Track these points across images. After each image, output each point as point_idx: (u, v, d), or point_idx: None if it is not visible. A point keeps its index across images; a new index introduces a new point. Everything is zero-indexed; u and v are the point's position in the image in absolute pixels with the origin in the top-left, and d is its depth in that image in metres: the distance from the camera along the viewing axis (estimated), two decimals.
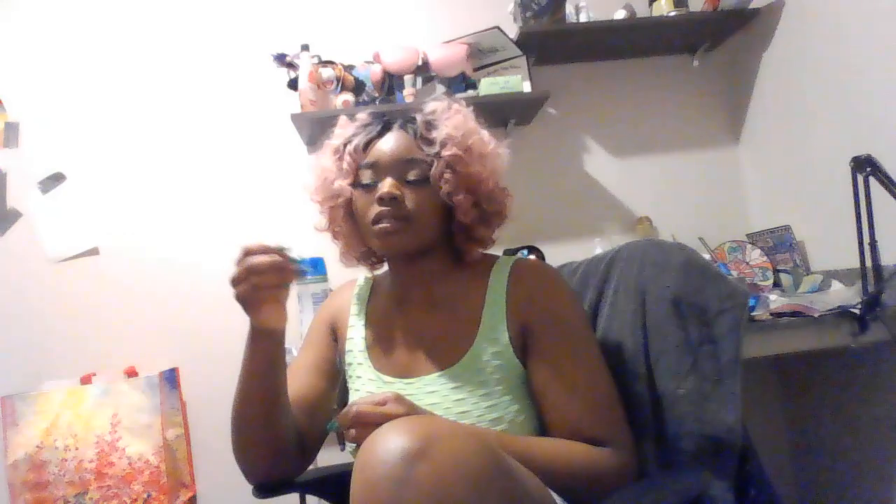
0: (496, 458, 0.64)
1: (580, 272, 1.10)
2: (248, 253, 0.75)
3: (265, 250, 0.74)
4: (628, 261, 0.97)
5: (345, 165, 0.92)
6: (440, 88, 1.96)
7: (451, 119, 0.92)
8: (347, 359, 0.99)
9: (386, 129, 0.94)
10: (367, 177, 0.91)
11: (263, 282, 0.73)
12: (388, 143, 0.92)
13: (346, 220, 0.96)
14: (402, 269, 0.97)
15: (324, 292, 1.75)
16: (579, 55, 2.12)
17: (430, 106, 0.95)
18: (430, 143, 0.90)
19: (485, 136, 0.94)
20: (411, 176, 0.90)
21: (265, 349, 0.81)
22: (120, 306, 1.93)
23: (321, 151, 0.98)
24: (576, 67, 2.15)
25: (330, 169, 0.94)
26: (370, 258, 1.02)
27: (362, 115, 0.99)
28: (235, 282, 0.75)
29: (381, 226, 0.87)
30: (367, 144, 0.93)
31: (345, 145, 0.94)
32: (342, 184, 0.92)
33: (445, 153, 0.89)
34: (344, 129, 0.97)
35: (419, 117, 0.93)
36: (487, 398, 0.84)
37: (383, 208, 0.87)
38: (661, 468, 0.86)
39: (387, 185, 0.87)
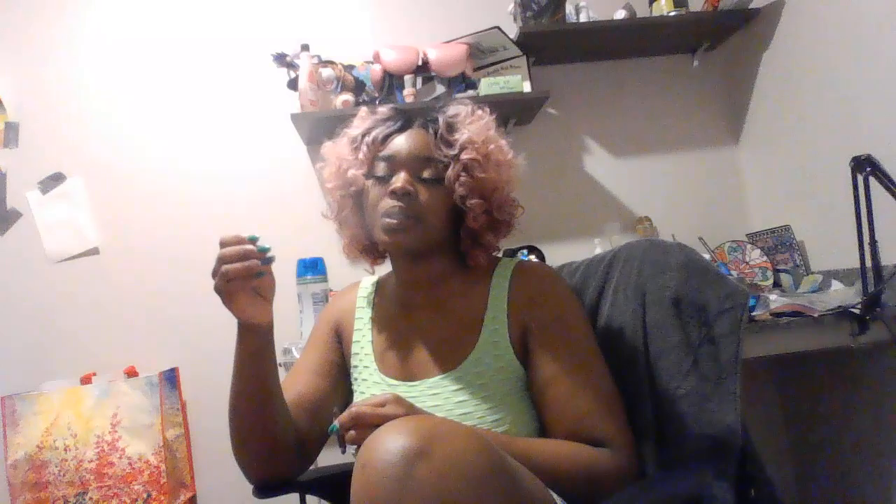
0: (497, 458, 0.64)
1: (580, 272, 1.10)
2: (222, 244, 0.75)
3: (237, 241, 0.75)
4: (628, 261, 0.97)
5: (361, 155, 0.92)
6: (440, 88, 1.96)
7: (474, 124, 0.92)
8: (353, 361, 0.99)
9: (407, 125, 0.95)
10: (381, 169, 0.91)
11: (231, 271, 0.73)
12: (408, 139, 0.92)
13: (355, 210, 0.96)
14: (406, 271, 0.97)
15: (323, 292, 1.75)
16: (579, 55, 2.12)
17: (454, 108, 0.95)
18: (450, 144, 0.90)
19: (504, 146, 0.94)
20: (426, 174, 0.90)
21: (251, 344, 0.81)
22: (120, 306, 1.94)
23: (338, 139, 0.99)
24: (576, 67, 2.15)
25: (345, 157, 0.95)
26: (373, 253, 1.02)
27: (383, 109, 0.99)
28: (213, 274, 0.75)
29: (389, 220, 0.87)
30: (386, 138, 0.93)
31: (363, 136, 0.94)
32: (356, 173, 0.92)
33: (464, 156, 0.89)
34: (364, 121, 0.97)
35: (441, 118, 0.93)
36: (489, 400, 0.84)
37: (394, 202, 0.87)
38: (661, 468, 0.86)
39: (401, 180, 0.87)
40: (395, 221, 0.87)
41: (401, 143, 0.92)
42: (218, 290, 0.75)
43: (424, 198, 0.88)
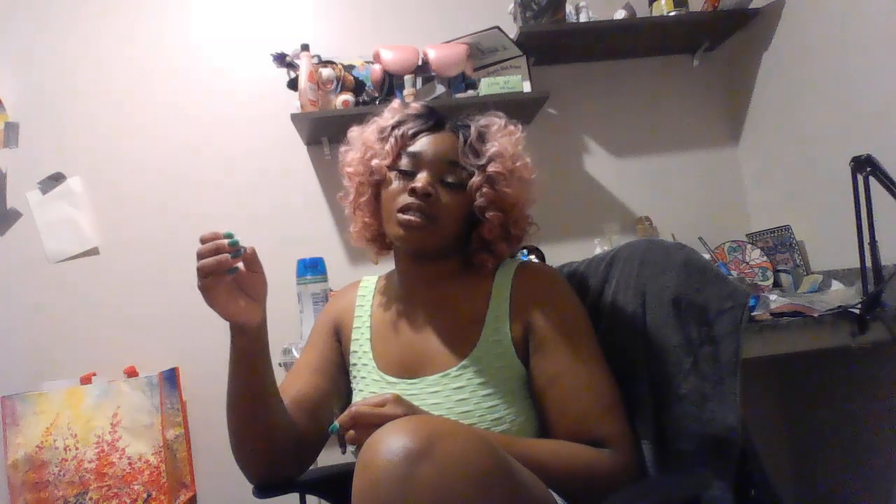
0: (498, 458, 0.64)
1: (580, 272, 1.10)
2: (200, 241, 0.75)
3: (212, 237, 0.75)
4: (628, 261, 0.97)
5: (387, 147, 0.93)
6: (440, 88, 1.95)
7: (505, 138, 0.94)
8: (352, 359, 0.99)
9: (438, 126, 0.96)
10: (405, 164, 0.92)
11: (205, 267, 0.73)
12: (436, 140, 0.93)
13: (372, 198, 0.97)
14: (410, 270, 0.98)
15: (323, 292, 1.75)
16: (579, 55, 2.12)
17: (487, 119, 0.97)
18: (478, 154, 0.92)
19: (530, 164, 0.96)
20: (449, 178, 0.91)
21: (242, 345, 0.81)
22: (120, 306, 1.94)
23: (366, 125, 0.99)
24: (576, 67, 2.15)
25: (372, 145, 0.95)
26: (380, 243, 1.02)
27: (416, 105, 1.00)
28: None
29: (406, 216, 0.88)
30: (416, 134, 0.94)
31: (393, 128, 0.95)
32: (380, 163, 0.93)
33: (490, 168, 0.90)
34: (395, 113, 0.98)
35: (473, 126, 0.94)
36: (489, 399, 0.84)
37: (413, 200, 0.87)
38: (661, 468, 0.86)
39: (423, 180, 0.88)
40: (412, 219, 0.87)
41: (429, 142, 0.92)
42: (198, 287, 0.75)
43: (444, 201, 0.89)
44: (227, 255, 0.74)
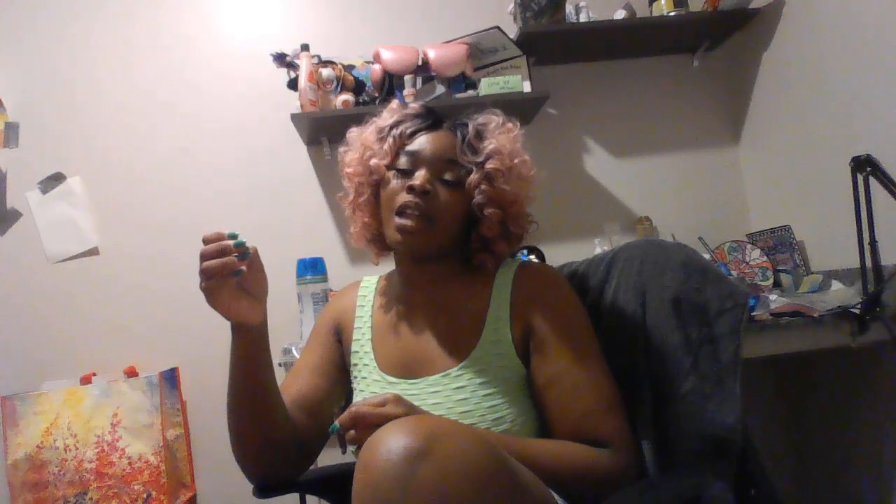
0: (498, 458, 0.64)
1: (580, 272, 1.10)
2: (203, 241, 0.74)
3: (217, 238, 0.74)
4: (628, 261, 0.97)
5: (386, 146, 0.93)
6: (440, 88, 1.95)
7: (503, 135, 0.94)
8: (353, 359, 0.99)
9: (436, 125, 0.96)
10: (404, 163, 0.92)
11: (210, 268, 0.72)
12: (434, 139, 0.93)
13: (371, 199, 0.97)
14: (410, 271, 0.98)
15: (323, 292, 1.75)
16: (579, 55, 2.12)
17: (485, 117, 0.97)
18: (476, 151, 0.91)
19: (529, 162, 0.96)
20: (447, 176, 0.91)
21: (243, 344, 0.81)
22: (120, 306, 1.94)
23: (365, 126, 1.00)
24: (576, 67, 2.15)
25: (370, 145, 0.95)
26: (381, 244, 1.02)
27: (415, 105, 1.00)
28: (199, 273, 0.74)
29: (402, 221, 0.87)
30: (414, 133, 0.94)
31: (391, 127, 0.95)
32: (378, 162, 0.93)
33: (489, 165, 0.90)
34: (394, 113, 0.98)
35: (471, 124, 0.95)
36: (490, 399, 0.84)
37: (411, 198, 0.87)
38: (661, 468, 0.86)
39: (421, 178, 0.88)
40: (408, 223, 0.87)
41: (427, 141, 0.93)
42: (201, 288, 0.74)
43: (443, 199, 0.89)
44: (233, 258, 0.73)
